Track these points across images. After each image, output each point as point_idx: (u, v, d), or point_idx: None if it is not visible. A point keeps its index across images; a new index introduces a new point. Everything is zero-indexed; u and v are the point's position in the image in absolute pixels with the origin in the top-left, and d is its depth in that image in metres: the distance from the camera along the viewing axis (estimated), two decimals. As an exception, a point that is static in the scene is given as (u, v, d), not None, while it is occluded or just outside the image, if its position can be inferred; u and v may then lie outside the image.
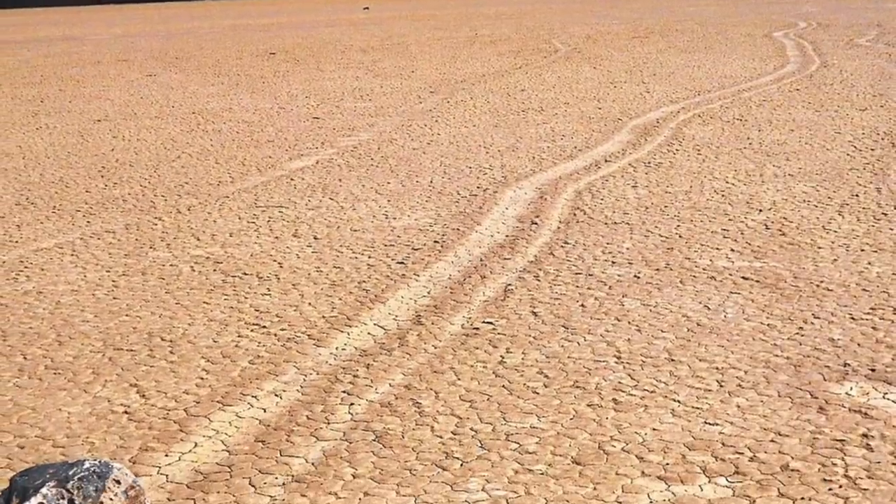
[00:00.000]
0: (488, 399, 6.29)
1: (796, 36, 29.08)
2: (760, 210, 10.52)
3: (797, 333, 7.21)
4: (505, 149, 14.08)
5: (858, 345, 6.98)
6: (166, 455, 5.71)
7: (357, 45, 31.32)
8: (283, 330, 7.60)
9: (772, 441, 5.64)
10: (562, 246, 9.45)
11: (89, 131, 16.67)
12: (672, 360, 6.81)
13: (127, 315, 8.02)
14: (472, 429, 5.90)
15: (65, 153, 14.83)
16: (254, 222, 10.70)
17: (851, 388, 6.30)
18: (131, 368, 6.97)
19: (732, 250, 9.17)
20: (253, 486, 5.34)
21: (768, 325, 7.39)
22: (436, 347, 7.16)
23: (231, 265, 9.21)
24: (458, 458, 5.56)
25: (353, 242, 9.81)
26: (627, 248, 9.33)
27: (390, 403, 6.28)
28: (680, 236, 9.66)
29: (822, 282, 8.27)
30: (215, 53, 30.17)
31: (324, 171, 13.12)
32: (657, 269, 8.71)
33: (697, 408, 6.07)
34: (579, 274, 8.64)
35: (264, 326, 7.68)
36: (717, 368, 6.64)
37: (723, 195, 11.16)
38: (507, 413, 6.09)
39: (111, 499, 4.26)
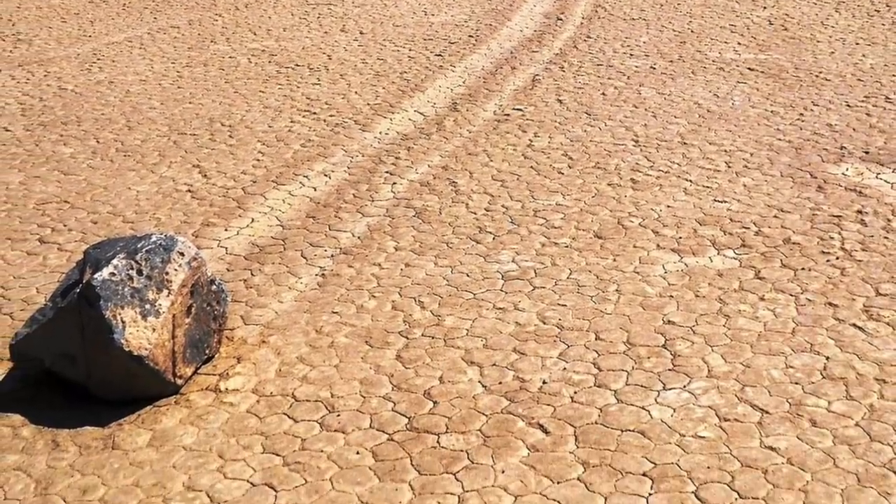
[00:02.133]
0: (518, 179, 6.14)
1: None
2: (765, 7, 10.24)
3: (798, 119, 7.02)
4: (532, -49, 13.72)
5: (854, 129, 6.80)
6: (226, 230, 5.60)
7: None
8: (331, 116, 7.44)
9: (775, 217, 5.50)
10: (584, 40, 9.23)
11: (156, -64, 16.31)
12: (684, 143, 6.64)
13: (190, 102, 7.86)
14: (503, 206, 5.76)
15: (134, -44, 14.52)
16: (305, 18, 10.48)
17: (847, 169, 6.14)
18: (194, 151, 6.83)
19: (739, 44, 8.94)
20: (304, 257, 5.24)
21: (772, 111, 7.20)
22: (470, 132, 7.00)
23: (284, 57, 9.02)
24: (490, 233, 5.44)
25: (395, 37, 9.59)
26: (644, 42, 9.10)
27: (429, 183, 6.14)
28: (692, 31, 9.42)
29: (820, 72, 8.06)
30: None
31: (368, -29, 12.82)
32: (671, 61, 8.49)
33: (707, 187, 5.92)
34: (600, 65, 8.43)
35: (315, 113, 7.52)
36: (725, 151, 6.47)
37: (731, -7, 10.88)
38: (535, 191, 5.94)
39: (176, 269, 4.15)
